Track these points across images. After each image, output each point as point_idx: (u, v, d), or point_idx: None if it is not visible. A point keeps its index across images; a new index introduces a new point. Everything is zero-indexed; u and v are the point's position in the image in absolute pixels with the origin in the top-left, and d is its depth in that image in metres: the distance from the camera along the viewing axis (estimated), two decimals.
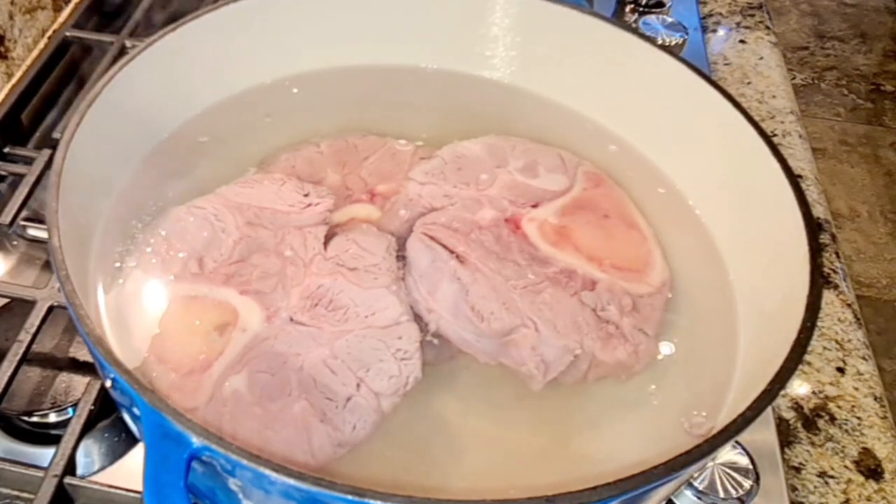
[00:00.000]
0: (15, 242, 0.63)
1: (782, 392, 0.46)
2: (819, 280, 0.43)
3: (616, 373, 0.48)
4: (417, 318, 0.47)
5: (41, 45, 0.77)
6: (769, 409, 0.58)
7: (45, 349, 0.56)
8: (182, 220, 0.50)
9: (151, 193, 0.53)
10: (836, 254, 0.71)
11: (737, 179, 0.53)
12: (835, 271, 0.69)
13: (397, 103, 0.63)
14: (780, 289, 0.46)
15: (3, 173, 0.67)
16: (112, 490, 0.49)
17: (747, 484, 0.51)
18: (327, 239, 0.50)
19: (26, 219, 0.63)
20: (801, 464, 0.57)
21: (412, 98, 0.63)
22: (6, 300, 0.58)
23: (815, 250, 0.44)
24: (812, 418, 0.60)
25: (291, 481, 0.32)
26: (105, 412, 0.53)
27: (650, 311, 0.50)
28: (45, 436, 0.53)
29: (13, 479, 0.50)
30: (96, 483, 0.49)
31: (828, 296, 0.67)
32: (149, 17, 0.81)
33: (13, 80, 0.74)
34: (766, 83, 0.87)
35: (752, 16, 0.95)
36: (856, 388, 0.61)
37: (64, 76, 0.79)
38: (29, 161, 0.67)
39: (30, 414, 0.53)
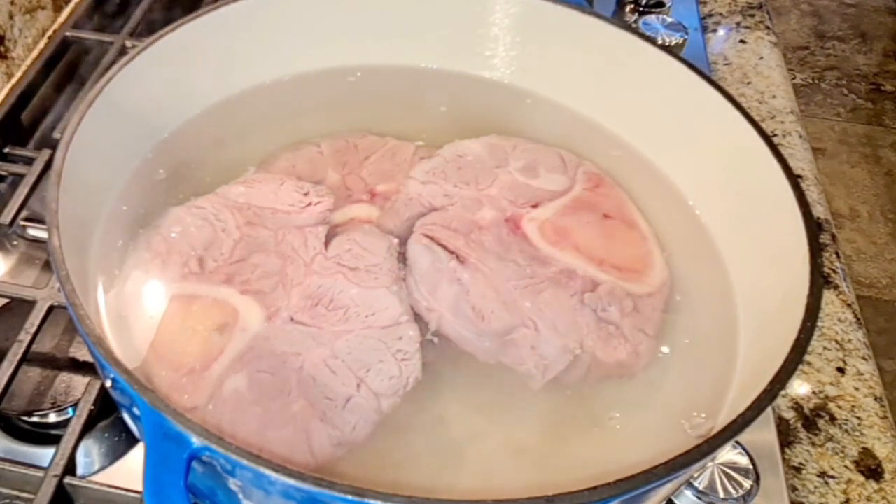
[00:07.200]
0: (15, 242, 0.63)
1: (782, 392, 0.46)
2: (819, 280, 0.43)
3: (616, 373, 0.48)
4: (418, 318, 0.47)
5: (41, 45, 0.77)
6: (769, 409, 0.58)
7: (45, 349, 0.56)
8: (182, 220, 0.50)
9: (151, 193, 0.53)
10: (836, 254, 0.71)
11: (737, 179, 0.53)
12: (835, 271, 0.69)
13: (397, 103, 0.63)
14: (780, 289, 0.46)
15: (3, 173, 0.67)
16: (112, 490, 0.49)
17: (747, 484, 0.51)
18: (328, 239, 0.50)
19: (26, 219, 0.63)
20: (801, 464, 0.57)
21: (412, 98, 0.63)
22: (6, 300, 0.58)
23: (815, 250, 0.44)
24: (812, 418, 0.60)
25: (291, 481, 0.33)
26: (105, 412, 0.53)
27: (650, 311, 0.50)
28: (45, 436, 0.53)
29: (13, 479, 0.50)
30: (96, 483, 0.49)
31: (828, 296, 0.67)
32: (149, 17, 0.81)
33: (13, 80, 0.74)
34: (766, 83, 0.87)
35: (752, 16, 0.95)
36: (856, 388, 0.61)
37: (64, 76, 0.79)
38: (29, 161, 0.67)
39: (30, 414, 0.53)
